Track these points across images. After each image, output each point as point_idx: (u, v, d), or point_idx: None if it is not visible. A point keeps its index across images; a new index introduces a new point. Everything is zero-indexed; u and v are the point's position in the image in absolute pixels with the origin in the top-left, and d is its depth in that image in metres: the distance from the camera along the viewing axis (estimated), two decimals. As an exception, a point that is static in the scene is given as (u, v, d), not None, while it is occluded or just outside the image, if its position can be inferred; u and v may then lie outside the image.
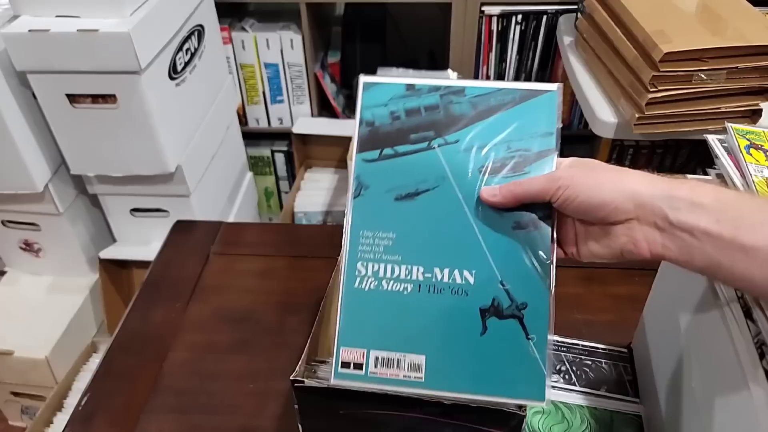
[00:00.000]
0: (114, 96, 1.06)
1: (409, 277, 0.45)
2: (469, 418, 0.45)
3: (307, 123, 1.59)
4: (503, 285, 0.45)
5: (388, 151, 0.48)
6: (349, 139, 1.18)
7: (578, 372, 0.67)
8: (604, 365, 0.68)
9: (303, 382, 0.46)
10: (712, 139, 0.51)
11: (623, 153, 1.61)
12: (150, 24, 1.04)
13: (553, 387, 0.65)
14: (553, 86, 0.48)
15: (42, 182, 1.17)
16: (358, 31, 1.61)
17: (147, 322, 0.81)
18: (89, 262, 1.35)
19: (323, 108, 1.63)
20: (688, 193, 0.39)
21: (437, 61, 1.66)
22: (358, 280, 0.46)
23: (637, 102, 0.95)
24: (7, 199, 1.22)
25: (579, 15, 1.19)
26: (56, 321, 1.28)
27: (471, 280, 0.45)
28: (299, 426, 0.51)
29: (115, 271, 1.36)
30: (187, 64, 1.21)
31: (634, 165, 1.64)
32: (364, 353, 0.44)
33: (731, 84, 0.93)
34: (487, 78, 1.49)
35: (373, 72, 1.42)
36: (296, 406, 0.49)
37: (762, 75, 0.92)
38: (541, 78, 1.49)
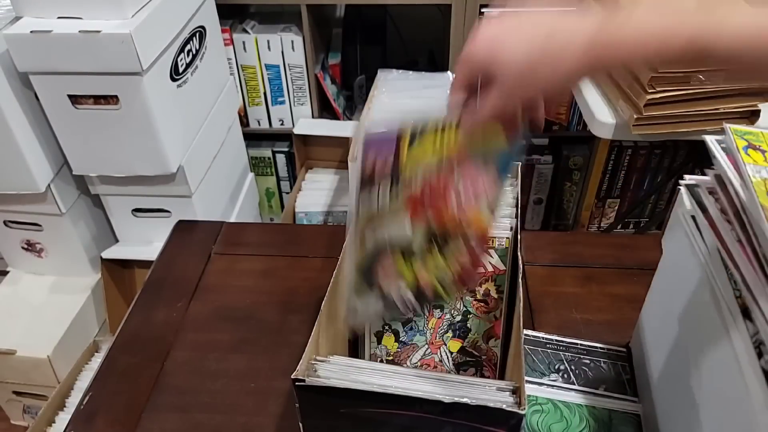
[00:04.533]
0: (116, 97, 1.07)
1: None
2: (469, 417, 0.45)
3: (308, 124, 1.59)
4: None
5: None
6: (349, 140, 1.18)
7: (577, 371, 0.67)
8: (602, 364, 0.68)
9: (304, 381, 0.46)
10: (711, 140, 0.51)
11: (622, 154, 1.61)
12: (152, 25, 1.05)
13: (552, 386, 0.66)
14: None
15: (44, 182, 1.18)
16: (358, 32, 1.61)
17: (149, 322, 0.82)
18: (91, 261, 1.36)
19: (324, 109, 1.63)
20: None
21: (437, 63, 1.66)
22: None
23: (635, 103, 0.96)
24: (9, 200, 1.22)
25: (579, 16, 1.20)
26: (58, 320, 1.28)
27: None
28: (300, 425, 0.51)
29: (117, 270, 1.36)
30: (188, 65, 1.22)
31: (632, 165, 1.64)
32: None
33: (730, 85, 0.93)
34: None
35: (373, 73, 1.43)
36: (297, 405, 0.49)
37: (761, 76, 0.92)
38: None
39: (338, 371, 0.49)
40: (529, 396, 0.65)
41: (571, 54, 0.41)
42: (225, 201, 1.48)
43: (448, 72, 1.42)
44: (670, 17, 0.38)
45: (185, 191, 1.25)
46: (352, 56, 1.62)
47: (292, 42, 1.48)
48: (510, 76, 0.43)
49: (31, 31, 0.99)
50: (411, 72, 1.45)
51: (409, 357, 0.66)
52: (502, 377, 0.63)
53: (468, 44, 0.44)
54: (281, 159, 1.72)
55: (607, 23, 0.41)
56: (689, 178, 0.52)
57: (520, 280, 0.58)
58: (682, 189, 0.53)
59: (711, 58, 0.38)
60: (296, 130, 1.57)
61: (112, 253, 1.32)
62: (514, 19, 0.44)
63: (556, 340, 0.71)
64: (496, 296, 0.62)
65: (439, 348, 0.65)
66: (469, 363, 0.65)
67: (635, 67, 0.44)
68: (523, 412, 0.44)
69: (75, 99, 1.07)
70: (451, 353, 0.65)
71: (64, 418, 1.12)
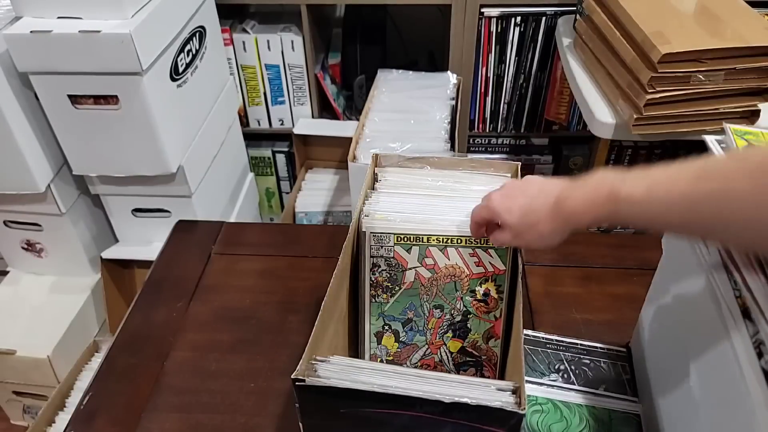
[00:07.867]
0: (116, 97, 1.07)
1: None
2: (469, 417, 0.45)
3: (308, 124, 1.59)
4: None
5: None
6: (349, 140, 1.18)
7: (577, 371, 0.67)
8: (602, 364, 0.68)
9: (304, 380, 0.46)
10: (711, 140, 0.51)
11: (621, 154, 1.61)
12: (151, 25, 1.05)
13: (552, 386, 0.66)
14: None
15: (44, 182, 1.18)
16: (358, 32, 1.61)
17: (148, 322, 0.82)
18: (91, 262, 1.36)
19: (324, 109, 1.63)
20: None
21: (437, 63, 1.66)
22: None
23: (635, 103, 0.96)
24: (9, 200, 1.22)
25: (578, 16, 1.20)
26: (58, 320, 1.28)
27: None
28: (300, 424, 0.51)
29: (117, 270, 1.36)
30: (188, 65, 1.22)
31: (633, 165, 1.64)
32: None
33: (729, 85, 0.93)
34: (486, 79, 1.50)
35: (373, 73, 1.43)
36: (297, 405, 0.49)
37: (760, 76, 0.92)
38: (539, 79, 1.50)
39: (338, 371, 0.49)
40: (529, 396, 0.65)
41: (543, 215, 0.52)
42: (225, 201, 1.48)
43: (448, 72, 1.42)
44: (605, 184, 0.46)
45: (185, 191, 1.25)
46: (352, 56, 1.61)
47: (292, 42, 1.48)
48: (511, 230, 0.55)
49: (31, 31, 0.99)
50: (411, 72, 1.45)
51: (409, 357, 0.66)
52: (502, 377, 0.63)
53: (490, 195, 0.58)
54: (281, 159, 1.72)
55: (565, 189, 0.50)
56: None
57: (520, 280, 0.58)
58: (682, 189, 0.53)
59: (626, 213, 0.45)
60: (296, 130, 1.57)
61: (112, 253, 1.32)
62: (527, 181, 0.58)
63: (556, 340, 0.71)
64: (496, 296, 0.62)
65: (439, 348, 0.65)
66: (469, 363, 0.65)
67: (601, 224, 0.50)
68: (523, 412, 0.44)
69: (75, 99, 1.07)
70: (451, 353, 0.65)
71: (64, 418, 1.12)
